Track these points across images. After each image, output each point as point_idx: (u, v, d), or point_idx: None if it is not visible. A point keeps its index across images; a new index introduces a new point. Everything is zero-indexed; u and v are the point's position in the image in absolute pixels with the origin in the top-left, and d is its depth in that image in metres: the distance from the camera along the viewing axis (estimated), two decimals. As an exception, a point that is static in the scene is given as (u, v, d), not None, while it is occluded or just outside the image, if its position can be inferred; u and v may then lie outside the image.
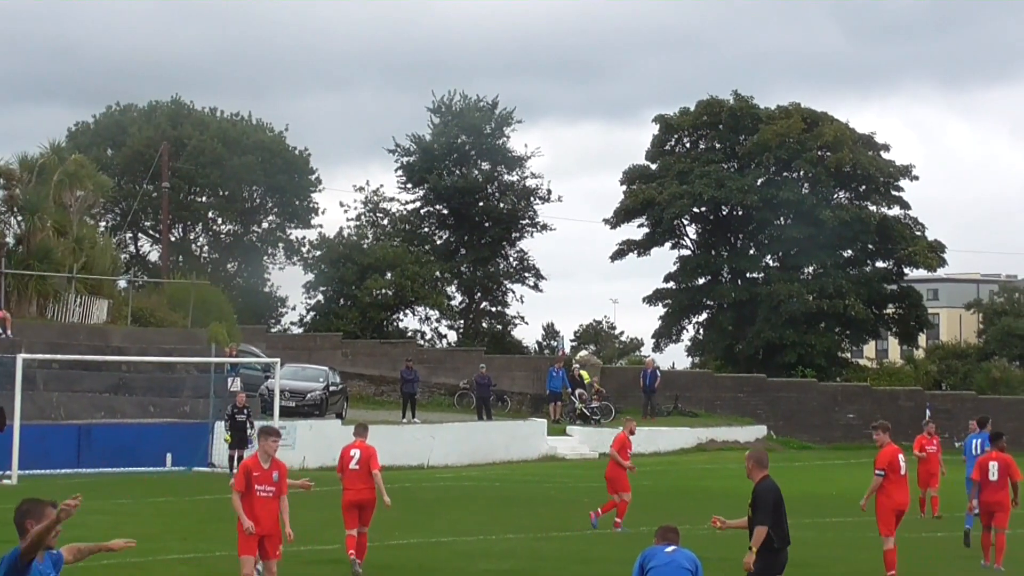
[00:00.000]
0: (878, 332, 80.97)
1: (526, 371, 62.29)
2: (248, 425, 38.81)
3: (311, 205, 77.09)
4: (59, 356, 42.65)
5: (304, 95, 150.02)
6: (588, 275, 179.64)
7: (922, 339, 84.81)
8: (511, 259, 78.11)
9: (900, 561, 23.08)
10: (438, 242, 77.88)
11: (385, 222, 76.38)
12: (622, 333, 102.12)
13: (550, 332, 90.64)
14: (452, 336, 76.34)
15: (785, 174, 74.90)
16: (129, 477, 37.27)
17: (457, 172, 75.50)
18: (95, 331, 47.89)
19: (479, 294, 77.91)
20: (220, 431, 39.83)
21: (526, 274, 77.82)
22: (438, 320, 75.40)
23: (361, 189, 76.30)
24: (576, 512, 31.74)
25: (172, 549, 21.91)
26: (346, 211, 75.86)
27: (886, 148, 76.19)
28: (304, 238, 76.83)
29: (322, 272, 71.98)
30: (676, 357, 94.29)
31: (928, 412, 63.33)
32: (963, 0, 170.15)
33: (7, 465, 34.50)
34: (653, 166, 77.05)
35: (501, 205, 76.30)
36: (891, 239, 74.17)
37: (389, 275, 70.07)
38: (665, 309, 78.13)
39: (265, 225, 77.72)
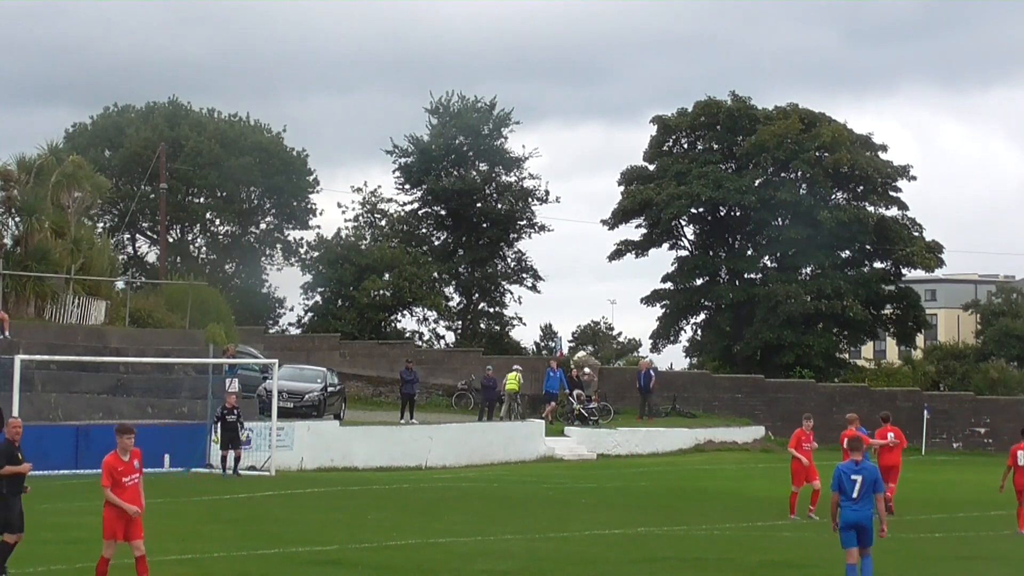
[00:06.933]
0: (876, 333, 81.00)
1: (524, 372, 62.20)
2: (239, 426, 38.82)
3: (309, 206, 77.09)
4: (57, 357, 42.57)
5: (304, 97, 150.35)
6: (586, 276, 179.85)
7: (920, 340, 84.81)
8: (509, 260, 78.15)
9: (898, 561, 23.09)
10: (436, 243, 77.92)
11: (383, 223, 76.38)
12: (620, 334, 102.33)
13: (548, 333, 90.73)
14: (450, 337, 76.44)
15: (783, 175, 74.93)
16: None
17: (455, 173, 75.51)
18: (93, 332, 47.84)
19: (477, 295, 77.92)
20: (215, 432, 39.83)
21: (524, 275, 77.85)
22: (436, 321, 75.46)
23: (359, 190, 76.40)
24: (574, 512, 31.74)
25: (170, 550, 21.87)
26: (344, 212, 75.99)
27: (884, 149, 76.28)
28: (302, 239, 76.91)
29: (320, 273, 71.96)
30: (674, 358, 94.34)
31: (927, 413, 63.40)
32: (960, 2, 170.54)
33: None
34: (651, 167, 77.07)
35: (499, 206, 76.32)
36: (889, 240, 74.18)
37: (387, 276, 70.08)
38: (663, 310, 78.16)
39: (263, 226, 77.69)
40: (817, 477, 30.48)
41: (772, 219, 74.82)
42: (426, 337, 74.92)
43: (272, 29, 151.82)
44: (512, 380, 54.61)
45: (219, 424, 38.97)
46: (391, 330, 71.88)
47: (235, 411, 38.75)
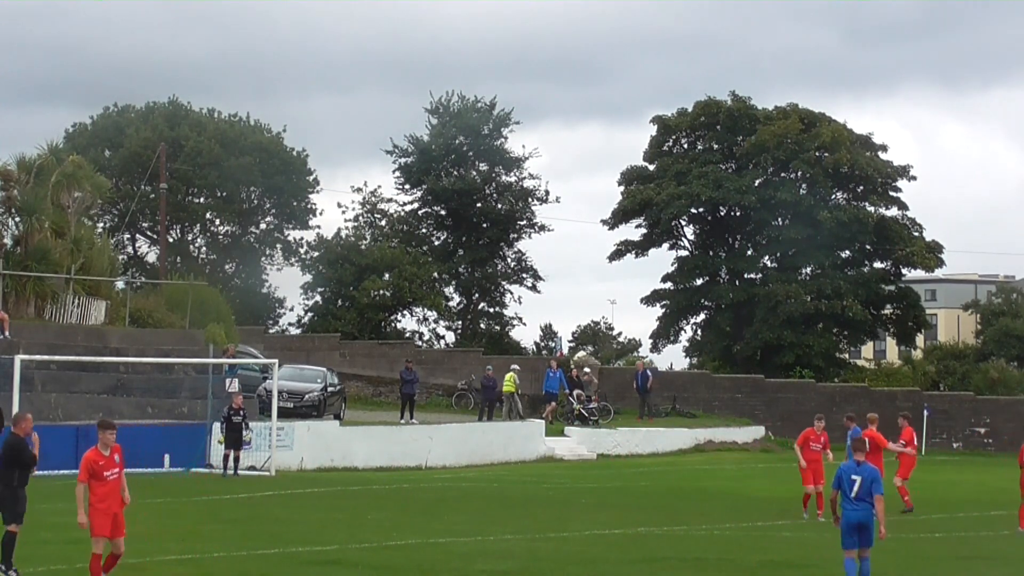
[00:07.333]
0: (876, 333, 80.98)
1: (524, 372, 62.24)
2: (244, 427, 38.86)
3: (309, 206, 77.12)
4: (57, 357, 42.57)
5: (305, 97, 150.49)
6: (586, 276, 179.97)
7: (920, 340, 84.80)
8: (509, 260, 78.14)
9: (898, 562, 23.11)
10: (436, 243, 77.91)
11: (383, 223, 76.38)
12: (620, 334, 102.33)
13: (548, 333, 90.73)
14: (450, 337, 76.43)
15: (783, 175, 74.91)
16: (127, 478, 37.18)
17: (455, 173, 75.51)
18: (93, 332, 47.84)
19: (477, 295, 77.91)
20: (218, 432, 39.86)
21: (524, 275, 77.84)
22: (436, 321, 75.44)
23: (359, 190, 76.40)
24: (574, 512, 31.73)
25: (170, 550, 21.91)
26: (344, 212, 76.00)
27: (884, 149, 76.28)
28: (302, 239, 76.94)
29: (320, 273, 71.96)
30: (674, 358, 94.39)
31: (927, 413, 63.36)
32: (960, 2, 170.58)
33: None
34: (651, 167, 77.07)
35: (499, 206, 76.31)
36: (889, 240, 74.17)
37: (387, 276, 70.07)
38: (663, 310, 78.15)
39: (263, 226, 77.71)
40: (823, 480, 30.64)
41: (772, 219, 74.81)
42: (426, 337, 74.97)
43: (272, 29, 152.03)
44: (508, 381, 54.43)
45: (224, 424, 39.00)
46: (391, 330, 71.87)
47: (241, 412, 38.83)
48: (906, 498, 32.94)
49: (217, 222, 76.98)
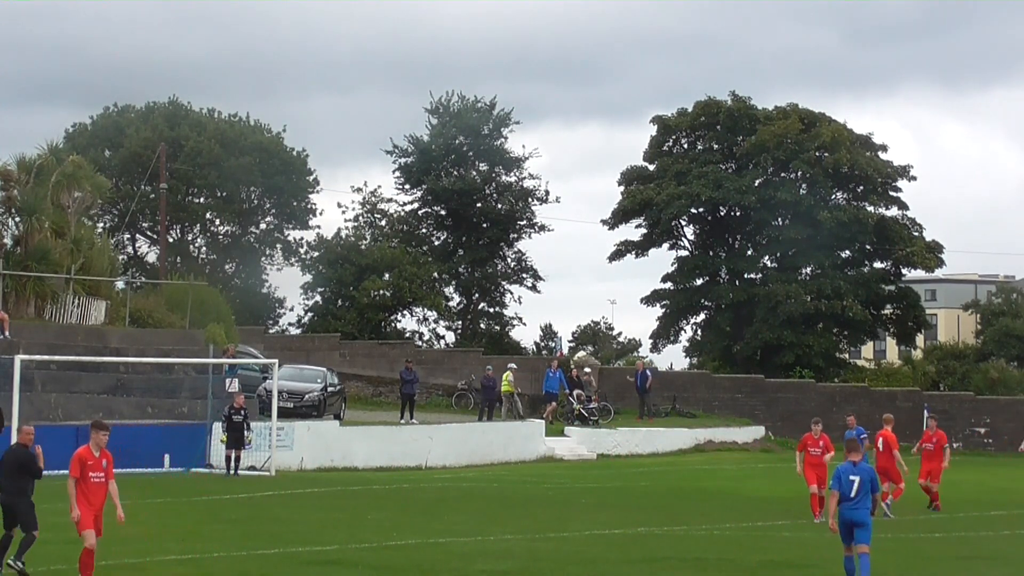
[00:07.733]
0: (876, 333, 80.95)
1: (524, 372, 62.23)
2: (245, 427, 38.90)
3: (309, 206, 77.07)
4: (57, 357, 42.59)
5: (304, 97, 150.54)
6: (586, 276, 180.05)
7: (920, 340, 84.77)
8: (509, 260, 78.11)
9: (898, 562, 23.12)
10: (436, 243, 77.89)
11: (383, 223, 76.37)
12: (620, 334, 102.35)
13: (548, 333, 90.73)
14: (450, 337, 76.40)
15: (783, 175, 74.89)
16: (127, 478, 36.97)
17: (455, 173, 75.49)
18: (93, 332, 47.84)
19: (477, 295, 77.89)
20: (218, 432, 39.90)
21: (524, 275, 77.81)
22: (436, 321, 75.41)
23: (359, 190, 76.38)
24: (574, 512, 31.74)
25: (170, 550, 21.91)
26: (344, 212, 75.99)
27: (884, 149, 76.24)
28: (302, 239, 76.89)
29: (320, 273, 71.94)
30: (674, 358, 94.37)
31: (927, 412, 63.32)
32: (960, 2, 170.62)
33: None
34: (651, 167, 77.03)
35: (499, 206, 76.28)
36: (889, 240, 74.15)
37: (387, 276, 70.07)
38: (663, 310, 78.12)
39: (263, 226, 77.66)
40: (825, 485, 30.66)
41: (772, 219, 74.78)
42: (426, 337, 74.95)
43: (272, 29, 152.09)
44: (504, 381, 54.39)
45: (226, 423, 39.04)
46: (391, 330, 71.86)
47: (242, 411, 38.89)
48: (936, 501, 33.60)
49: (217, 222, 76.95)
